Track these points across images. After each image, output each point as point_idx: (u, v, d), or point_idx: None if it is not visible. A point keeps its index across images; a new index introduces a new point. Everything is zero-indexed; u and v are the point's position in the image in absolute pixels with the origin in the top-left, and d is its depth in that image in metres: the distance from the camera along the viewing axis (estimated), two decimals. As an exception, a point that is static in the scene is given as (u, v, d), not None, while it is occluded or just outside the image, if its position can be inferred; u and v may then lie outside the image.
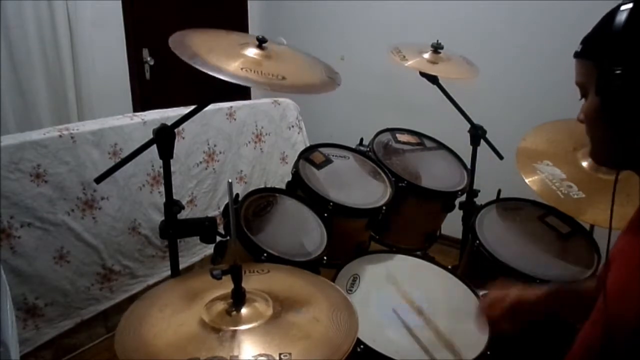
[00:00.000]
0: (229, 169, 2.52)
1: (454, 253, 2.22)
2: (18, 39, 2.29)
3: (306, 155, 1.75)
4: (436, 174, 1.89)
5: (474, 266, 1.62)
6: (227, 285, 0.93)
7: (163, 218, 1.32)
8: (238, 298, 0.92)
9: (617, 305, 0.74)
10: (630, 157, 0.78)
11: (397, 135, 2.04)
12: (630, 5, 0.71)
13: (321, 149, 1.81)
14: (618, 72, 0.70)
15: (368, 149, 1.89)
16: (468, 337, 1.23)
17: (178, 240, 1.38)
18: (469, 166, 1.94)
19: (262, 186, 2.54)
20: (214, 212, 2.44)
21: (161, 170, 1.32)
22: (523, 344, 1.43)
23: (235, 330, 0.86)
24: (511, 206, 1.76)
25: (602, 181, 1.52)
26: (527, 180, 1.59)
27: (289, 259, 1.34)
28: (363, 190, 1.69)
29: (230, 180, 0.94)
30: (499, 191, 1.81)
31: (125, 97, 2.85)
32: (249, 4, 3.50)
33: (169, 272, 1.41)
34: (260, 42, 1.24)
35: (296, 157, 1.73)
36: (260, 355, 0.80)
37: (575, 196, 1.52)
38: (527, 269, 1.44)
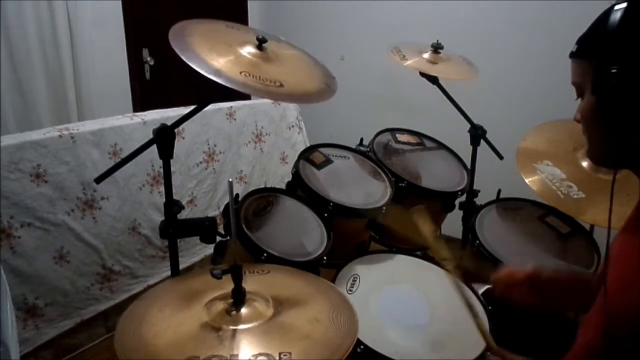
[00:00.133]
0: (229, 169, 2.52)
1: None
2: (18, 39, 2.29)
3: (306, 155, 1.75)
4: (436, 174, 1.89)
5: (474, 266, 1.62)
6: (227, 285, 0.93)
7: (163, 218, 1.32)
8: (238, 298, 0.92)
9: (617, 303, 0.74)
10: (626, 156, 0.78)
11: (397, 135, 2.04)
12: (623, 5, 0.71)
13: (321, 149, 1.81)
14: (613, 71, 0.70)
15: (368, 149, 1.89)
16: (468, 337, 1.23)
17: (178, 240, 1.38)
18: (469, 166, 1.94)
19: (262, 186, 2.54)
20: (214, 212, 2.44)
21: (161, 170, 1.32)
22: (523, 343, 1.43)
23: (235, 330, 0.86)
24: (511, 206, 1.76)
25: (602, 181, 1.52)
26: (527, 180, 1.59)
27: (288, 259, 1.34)
28: (363, 190, 1.69)
29: (230, 180, 0.94)
30: (499, 191, 1.81)
31: (125, 97, 2.85)
32: (249, 4, 3.50)
33: (169, 272, 1.41)
34: (260, 42, 1.24)
35: (296, 157, 1.73)
36: (260, 354, 0.80)
37: (575, 196, 1.52)
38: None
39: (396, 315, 1.28)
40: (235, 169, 2.56)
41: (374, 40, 3.04)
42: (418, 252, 1.76)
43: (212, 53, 1.16)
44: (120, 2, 2.69)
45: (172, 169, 1.33)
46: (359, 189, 1.69)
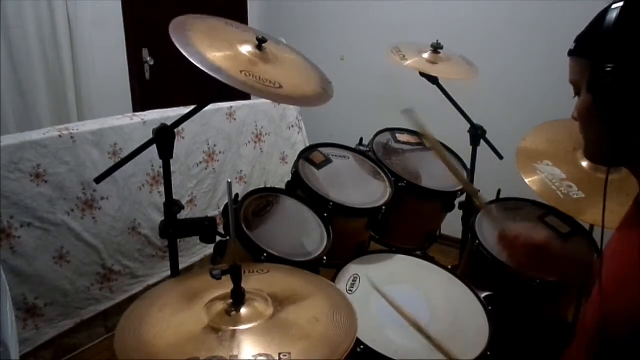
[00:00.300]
0: (229, 169, 2.52)
1: (454, 253, 2.21)
2: (18, 39, 2.29)
3: (306, 155, 1.75)
4: (436, 174, 1.89)
5: (474, 266, 1.62)
6: (227, 285, 0.93)
7: (163, 218, 1.32)
8: (238, 298, 0.92)
9: (614, 301, 0.74)
10: (623, 154, 0.78)
11: (397, 135, 2.04)
12: (620, 4, 0.71)
13: (321, 149, 1.81)
14: (609, 69, 0.70)
15: (368, 149, 1.89)
16: (468, 337, 1.23)
17: (178, 240, 1.38)
18: (469, 166, 1.93)
19: (262, 186, 2.54)
20: (214, 212, 2.44)
21: (161, 170, 1.32)
22: (523, 344, 1.43)
23: (235, 330, 0.86)
24: (511, 206, 1.76)
25: (602, 181, 1.49)
26: (527, 180, 1.59)
27: (288, 259, 1.33)
28: (363, 190, 1.69)
29: (229, 180, 0.94)
30: (499, 191, 1.81)
31: (125, 97, 2.85)
32: (249, 4, 3.50)
33: (169, 272, 1.41)
34: (260, 43, 1.24)
35: (296, 157, 1.73)
36: (260, 355, 0.80)
37: (575, 196, 1.52)
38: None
39: (396, 315, 1.28)
40: (235, 169, 2.57)
41: (374, 40, 3.04)
42: (418, 252, 1.76)
43: (212, 49, 1.15)
44: (120, 2, 2.69)
45: (172, 169, 1.33)
46: (359, 188, 1.69)
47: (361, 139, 1.98)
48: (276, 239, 1.40)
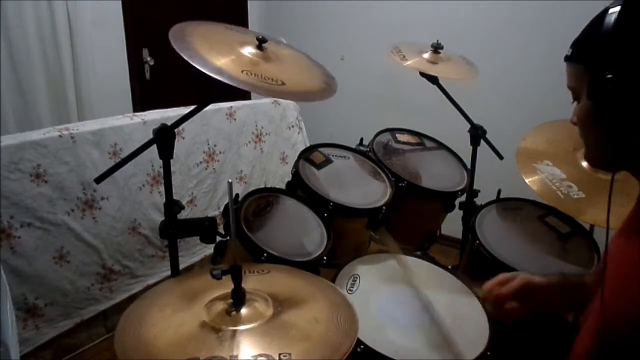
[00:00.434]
0: (229, 169, 2.52)
1: (454, 253, 2.22)
2: (18, 39, 2.29)
3: (306, 155, 1.75)
4: (436, 174, 1.89)
5: (474, 266, 1.62)
6: (227, 285, 0.93)
7: (163, 218, 1.32)
8: (238, 298, 0.92)
9: (616, 306, 0.74)
10: (624, 159, 0.77)
11: (397, 135, 2.04)
12: (617, 8, 0.70)
13: (321, 149, 1.81)
14: (609, 76, 0.69)
15: (368, 149, 1.89)
16: (468, 337, 1.23)
17: (178, 240, 1.38)
18: (469, 166, 1.93)
19: (262, 186, 2.54)
20: (214, 212, 2.44)
21: (161, 170, 1.32)
22: (523, 344, 1.43)
23: (235, 330, 0.86)
24: (511, 206, 1.76)
25: (602, 181, 1.52)
26: (527, 180, 1.59)
27: (289, 259, 1.34)
28: (363, 190, 1.69)
29: (230, 180, 0.94)
30: (499, 191, 1.81)
31: (125, 97, 2.85)
32: (249, 4, 3.50)
33: (169, 272, 1.41)
34: (260, 42, 1.24)
35: (296, 157, 1.73)
36: (260, 355, 0.80)
37: (575, 196, 1.52)
38: (527, 269, 1.43)
39: (396, 315, 1.28)
40: (235, 169, 2.56)
41: (374, 40, 3.04)
42: (418, 252, 1.76)
43: (213, 52, 1.16)
44: (120, 2, 2.69)
45: (172, 169, 1.33)
46: (359, 189, 1.69)
47: (361, 139, 1.98)
48: (276, 239, 1.40)
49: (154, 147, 1.25)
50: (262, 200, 1.54)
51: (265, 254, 1.31)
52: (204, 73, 1.07)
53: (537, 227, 1.66)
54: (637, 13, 0.69)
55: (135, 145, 1.44)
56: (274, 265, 1.19)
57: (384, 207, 1.62)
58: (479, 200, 1.87)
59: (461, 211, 1.92)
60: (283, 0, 3.55)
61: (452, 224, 2.00)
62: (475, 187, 1.90)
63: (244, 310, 0.91)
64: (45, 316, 1.84)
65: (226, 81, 1.08)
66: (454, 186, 1.85)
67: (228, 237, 1.44)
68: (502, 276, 1.11)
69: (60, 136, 1.79)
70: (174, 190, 1.32)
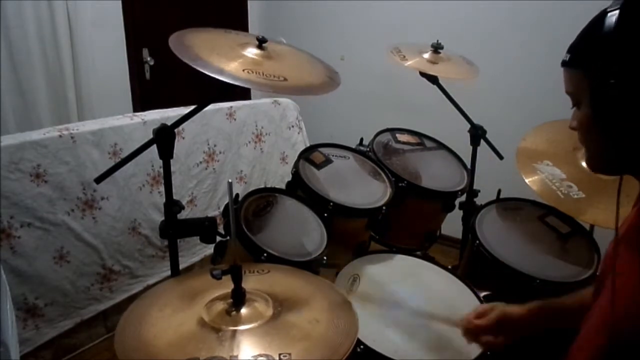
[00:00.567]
0: (229, 169, 2.52)
1: (454, 253, 2.22)
2: (18, 39, 2.29)
3: (306, 155, 1.75)
4: (436, 174, 1.89)
5: (474, 266, 1.62)
6: (227, 285, 0.93)
7: (163, 218, 1.32)
8: (238, 298, 0.92)
9: (624, 307, 0.72)
10: (627, 162, 0.76)
11: (397, 135, 2.04)
12: (617, 10, 0.68)
13: (321, 149, 1.81)
14: (612, 81, 0.67)
15: (368, 149, 1.89)
16: (468, 337, 1.23)
17: (178, 240, 1.38)
18: (469, 166, 1.94)
19: (262, 186, 2.54)
20: (214, 212, 2.44)
21: (161, 170, 1.32)
22: (523, 344, 1.43)
23: (235, 330, 0.86)
24: (511, 206, 1.76)
25: (602, 181, 1.52)
26: (527, 180, 1.59)
27: (288, 259, 1.34)
28: (363, 190, 1.69)
29: (230, 180, 0.94)
30: (499, 191, 1.81)
31: (125, 97, 2.85)
32: (249, 4, 3.50)
33: (169, 272, 1.41)
34: (260, 42, 1.24)
35: (296, 157, 1.73)
36: (260, 355, 0.80)
37: (575, 196, 1.52)
38: (527, 269, 1.44)
39: (396, 315, 1.28)
40: (235, 169, 2.57)
41: (374, 40, 3.04)
42: (418, 252, 1.76)
43: (214, 54, 1.16)
44: (120, 2, 2.69)
45: (172, 169, 1.33)
46: (359, 189, 1.69)
47: (361, 139, 1.98)
48: (276, 239, 1.40)
49: (154, 147, 1.25)
50: (262, 200, 1.54)
51: (265, 254, 1.31)
52: (204, 73, 1.07)
53: (537, 227, 1.66)
54: (639, 14, 0.67)
55: (135, 145, 1.44)
56: (274, 265, 1.19)
57: (384, 207, 1.62)
58: (479, 200, 1.87)
59: (461, 211, 1.92)
60: (283, 0, 3.55)
61: (452, 224, 2.00)
62: (475, 187, 1.90)
63: (244, 310, 0.91)
64: (45, 316, 1.84)
65: (229, 80, 1.08)
66: (454, 186, 1.85)
67: (228, 237, 1.44)
68: (480, 308, 1.13)
69: (60, 136, 1.79)
70: (174, 190, 1.33)
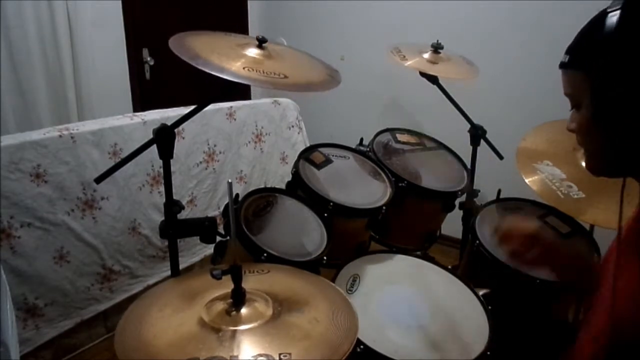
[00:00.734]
0: (229, 169, 2.52)
1: (454, 253, 2.22)
2: (18, 39, 2.29)
3: (306, 155, 1.75)
4: (436, 174, 1.89)
5: (474, 266, 1.62)
6: (227, 285, 0.93)
7: (163, 218, 1.32)
8: (238, 298, 0.92)
9: (625, 309, 0.72)
10: (628, 164, 0.75)
11: (397, 135, 2.04)
12: (617, 10, 0.66)
13: (321, 149, 1.81)
14: (615, 82, 0.66)
15: (368, 149, 1.89)
16: (468, 337, 1.23)
17: (178, 240, 1.38)
18: (469, 166, 1.94)
19: (262, 186, 2.54)
20: (214, 212, 2.44)
21: (161, 170, 1.32)
22: (523, 344, 1.43)
23: (235, 330, 0.86)
24: (511, 206, 1.76)
25: (602, 181, 1.50)
26: (527, 180, 1.59)
27: (288, 259, 1.34)
28: (363, 190, 1.69)
29: (230, 180, 0.94)
30: (499, 191, 1.81)
31: (125, 97, 2.85)
32: (249, 4, 3.50)
33: (169, 272, 1.41)
34: (260, 42, 1.25)
35: (296, 157, 1.73)
36: (260, 355, 0.80)
37: (575, 196, 1.52)
38: (527, 269, 1.44)
39: (396, 315, 1.28)
40: (235, 169, 2.57)
41: (374, 40, 3.05)
42: (418, 252, 1.76)
43: (215, 54, 1.16)
44: (120, 2, 2.69)
45: (172, 169, 1.33)
46: (359, 189, 1.69)
47: (361, 139, 1.98)
48: (276, 239, 1.40)
49: (154, 147, 1.25)
50: (262, 200, 1.54)
51: (265, 254, 1.31)
52: (204, 73, 1.08)
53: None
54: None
55: (135, 145, 1.44)
56: (274, 265, 1.19)
57: (384, 207, 1.62)
58: (479, 200, 1.87)
59: (461, 211, 1.92)
60: (283, 0, 3.55)
61: (452, 224, 2.00)
62: (475, 187, 1.90)
63: (244, 310, 0.91)
64: (45, 316, 1.84)
65: (230, 78, 1.08)
66: (454, 186, 1.85)
67: (228, 237, 1.44)
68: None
69: (60, 136, 1.79)
70: (174, 190, 1.33)
